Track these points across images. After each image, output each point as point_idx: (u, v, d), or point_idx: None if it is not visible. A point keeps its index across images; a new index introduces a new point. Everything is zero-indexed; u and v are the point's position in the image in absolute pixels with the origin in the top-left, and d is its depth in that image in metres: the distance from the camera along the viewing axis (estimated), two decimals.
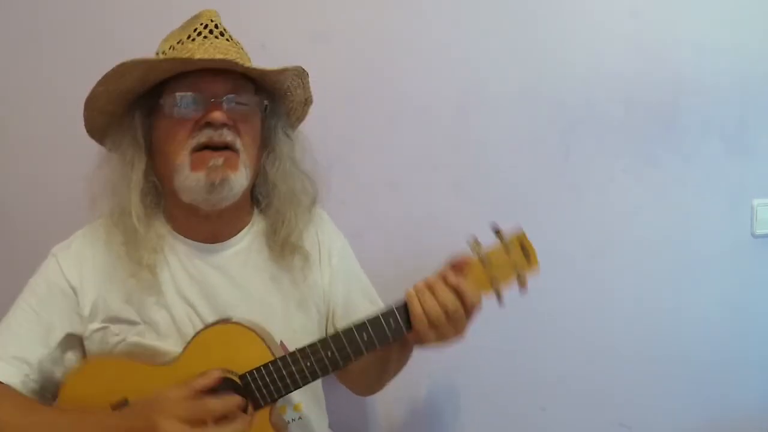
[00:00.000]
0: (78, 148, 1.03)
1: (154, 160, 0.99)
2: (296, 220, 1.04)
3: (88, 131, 1.02)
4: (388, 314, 0.89)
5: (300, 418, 1.05)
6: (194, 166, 0.94)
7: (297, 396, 1.02)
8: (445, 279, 0.88)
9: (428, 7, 1.34)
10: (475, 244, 0.91)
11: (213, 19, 0.99)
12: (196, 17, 1.00)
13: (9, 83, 1.35)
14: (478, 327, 1.41)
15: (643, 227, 1.41)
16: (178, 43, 0.97)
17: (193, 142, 0.94)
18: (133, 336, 0.97)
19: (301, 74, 1.02)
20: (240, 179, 0.96)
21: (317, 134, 1.32)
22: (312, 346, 0.90)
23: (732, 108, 1.38)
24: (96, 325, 0.98)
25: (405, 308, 0.89)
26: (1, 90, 1.35)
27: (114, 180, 0.98)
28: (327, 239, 1.11)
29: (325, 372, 0.90)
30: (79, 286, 0.98)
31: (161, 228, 1.01)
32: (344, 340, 0.89)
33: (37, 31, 1.34)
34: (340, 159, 1.35)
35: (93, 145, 1.04)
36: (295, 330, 1.03)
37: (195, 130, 0.94)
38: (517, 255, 0.92)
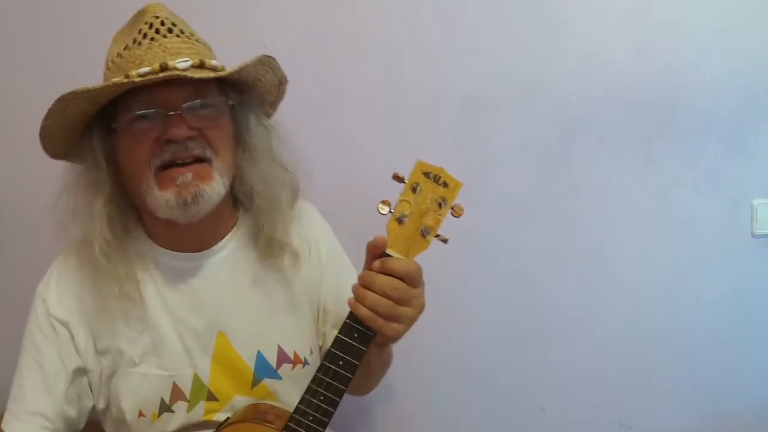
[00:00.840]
0: None
1: (124, 178, 0.93)
2: (281, 218, 0.98)
3: (50, 156, 0.96)
4: (347, 330, 0.84)
5: None
6: (162, 185, 0.87)
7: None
8: (371, 268, 0.81)
9: (428, 7, 1.34)
10: (382, 205, 0.82)
11: (158, 14, 0.88)
12: (140, 14, 0.90)
13: (9, 83, 1.34)
14: (477, 327, 1.43)
15: (643, 227, 1.41)
16: (125, 49, 0.88)
17: (157, 161, 0.87)
18: (130, 367, 0.95)
19: (265, 62, 0.93)
20: (216, 189, 0.89)
21: (317, 134, 1.34)
22: (302, 401, 0.86)
23: (732, 108, 1.38)
24: (93, 355, 0.96)
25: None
26: (1, 90, 1.35)
27: (78, 206, 0.92)
28: (314, 233, 1.06)
29: (329, 414, 0.86)
30: (69, 319, 0.95)
31: (143, 245, 0.97)
32: (326, 379, 0.85)
33: (37, 31, 1.34)
34: (340, 159, 1.35)
35: None
36: (288, 331, 1.01)
37: (157, 147, 0.87)
38: (429, 187, 0.82)
